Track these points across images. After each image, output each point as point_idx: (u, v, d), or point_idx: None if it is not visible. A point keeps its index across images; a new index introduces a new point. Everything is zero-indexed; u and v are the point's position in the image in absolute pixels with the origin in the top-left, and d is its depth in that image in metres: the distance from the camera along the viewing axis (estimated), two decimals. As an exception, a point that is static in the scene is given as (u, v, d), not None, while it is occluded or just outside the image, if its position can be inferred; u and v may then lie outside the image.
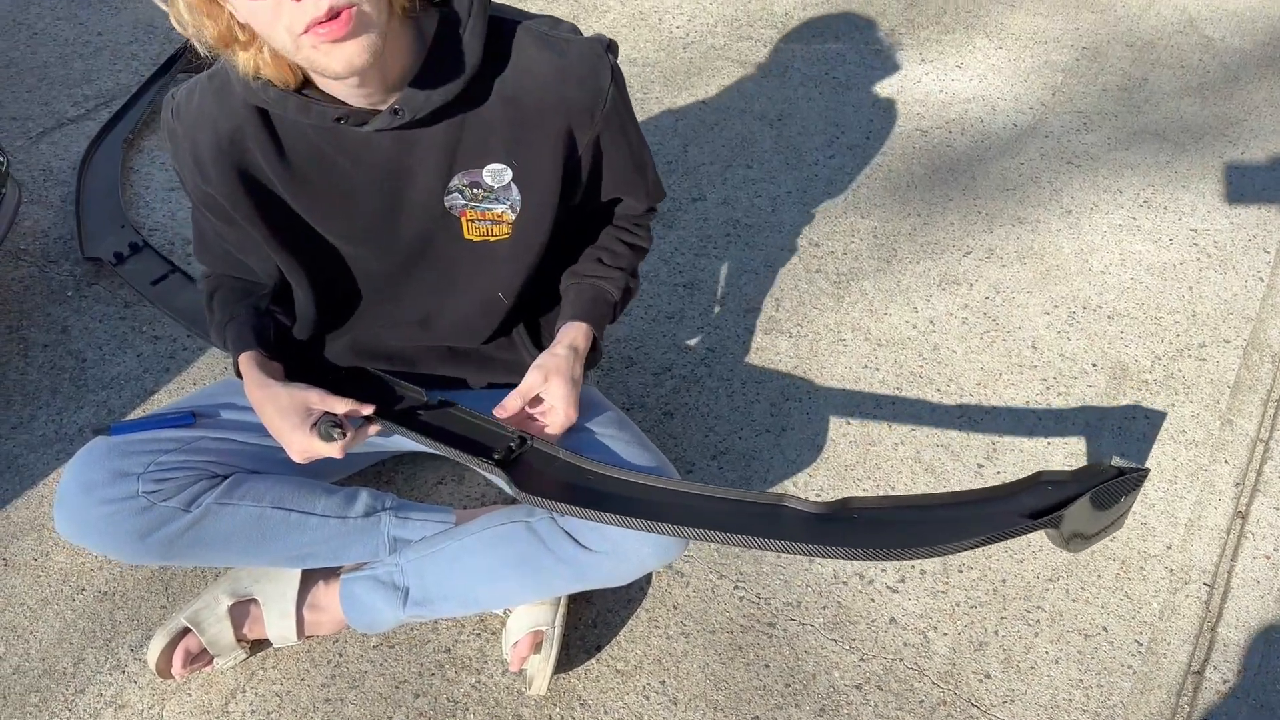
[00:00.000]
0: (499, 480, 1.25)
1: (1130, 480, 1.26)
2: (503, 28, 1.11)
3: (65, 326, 1.86)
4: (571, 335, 1.27)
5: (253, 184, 1.14)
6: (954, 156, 2.22)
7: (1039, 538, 1.52)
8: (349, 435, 1.17)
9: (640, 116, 2.31)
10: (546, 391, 1.22)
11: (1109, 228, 2.05)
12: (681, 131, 2.29)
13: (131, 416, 1.71)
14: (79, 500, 1.24)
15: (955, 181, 2.16)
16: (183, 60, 2.36)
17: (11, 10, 2.59)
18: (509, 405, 1.21)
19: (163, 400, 1.74)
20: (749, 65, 2.45)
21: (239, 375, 1.25)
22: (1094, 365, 1.80)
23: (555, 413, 1.22)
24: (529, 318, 1.38)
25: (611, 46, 1.17)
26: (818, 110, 2.33)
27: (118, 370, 1.79)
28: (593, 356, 1.47)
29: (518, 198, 1.19)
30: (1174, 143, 2.23)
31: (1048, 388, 1.76)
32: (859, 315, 1.90)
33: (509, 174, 1.17)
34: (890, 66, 2.44)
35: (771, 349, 1.83)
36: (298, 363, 1.32)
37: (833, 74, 2.43)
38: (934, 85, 2.39)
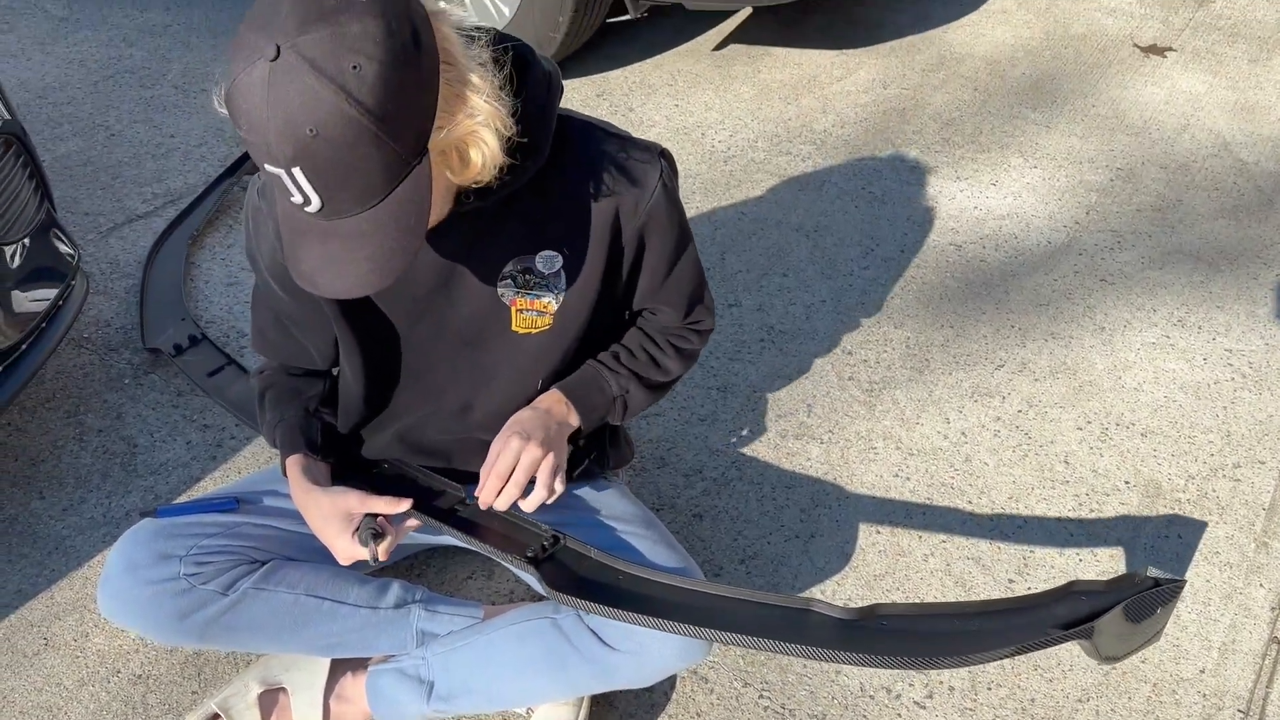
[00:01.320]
0: (530, 578, 1.27)
1: (1166, 591, 1.25)
2: (568, 125, 1.18)
3: (120, 413, 1.93)
4: (548, 396, 1.30)
5: None
6: (987, 271, 2.26)
7: (1071, 655, 1.50)
8: (389, 539, 1.21)
9: (681, 225, 2.38)
10: (503, 445, 1.24)
11: (1142, 345, 2.07)
12: (720, 240, 2.35)
13: (177, 502, 1.76)
14: (123, 580, 1.28)
15: (989, 295, 2.20)
16: (249, 163, 2.48)
17: (93, 113, 2.75)
18: (485, 495, 1.24)
19: (208, 487, 1.80)
20: (787, 178, 2.52)
21: (285, 475, 1.30)
22: (1127, 483, 1.79)
23: (521, 455, 1.23)
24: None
25: (665, 154, 1.24)
26: (853, 223, 2.40)
27: (166, 457, 1.85)
28: (625, 454, 1.51)
29: (564, 287, 1.24)
30: (1208, 263, 2.26)
31: (1080, 504, 1.75)
32: (890, 424, 1.92)
33: (559, 261, 1.22)
34: (926, 183, 2.50)
35: (803, 454, 1.85)
36: (343, 461, 1.37)
37: (869, 189, 2.49)
38: (969, 202, 2.44)
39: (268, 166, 0.95)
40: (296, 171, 0.94)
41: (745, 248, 2.33)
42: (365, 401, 1.35)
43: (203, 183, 2.51)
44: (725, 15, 3.07)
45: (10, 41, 3.04)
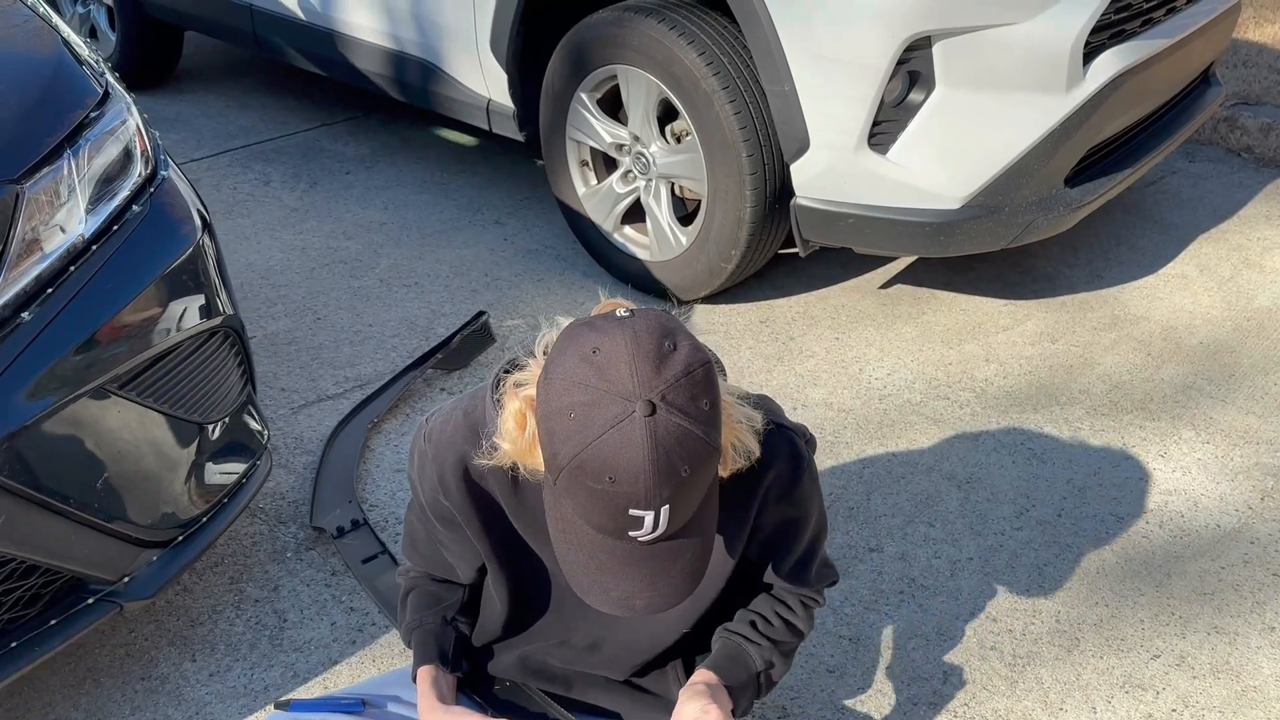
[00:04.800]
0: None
1: None
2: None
3: (277, 585, 2.05)
4: (704, 676, 1.34)
5: (487, 506, 1.29)
6: (1150, 549, 2.16)
7: None
8: None
9: (829, 460, 2.40)
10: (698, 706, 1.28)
11: (1321, 655, 1.91)
12: (867, 479, 2.35)
13: (310, 683, 1.84)
14: (248, 767, 1.35)
15: (1149, 576, 2.09)
16: (433, 359, 2.68)
17: (305, 297, 3.05)
18: None
19: (342, 672, 1.87)
20: (943, 424, 2.52)
21: (415, 680, 1.37)
22: (1295, 814, 1.63)
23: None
24: (688, 655, 1.45)
25: (811, 441, 1.34)
26: (1009, 479, 2.35)
27: (311, 635, 1.94)
28: (738, 709, 1.50)
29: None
30: (1402, 570, 2.09)
31: (1238, 830, 1.60)
32: (1032, 705, 1.82)
33: None
34: (1089, 446, 2.44)
35: (932, 726, 1.78)
36: (470, 672, 1.43)
37: (1028, 445, 2.45)
38: (1133, 472, 2.36)
39: (632, 511, 1.02)
40: (664, 509, 1.02)
41: (892, 491, 2.32)
42: (505, 626, 1.42)
43: (390, 371, 2.71)
44: (893, 256, 3.15)
45: (247, 226, 3.44)
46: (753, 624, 1.38)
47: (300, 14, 3.58)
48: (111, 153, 1.73)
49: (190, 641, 1.93)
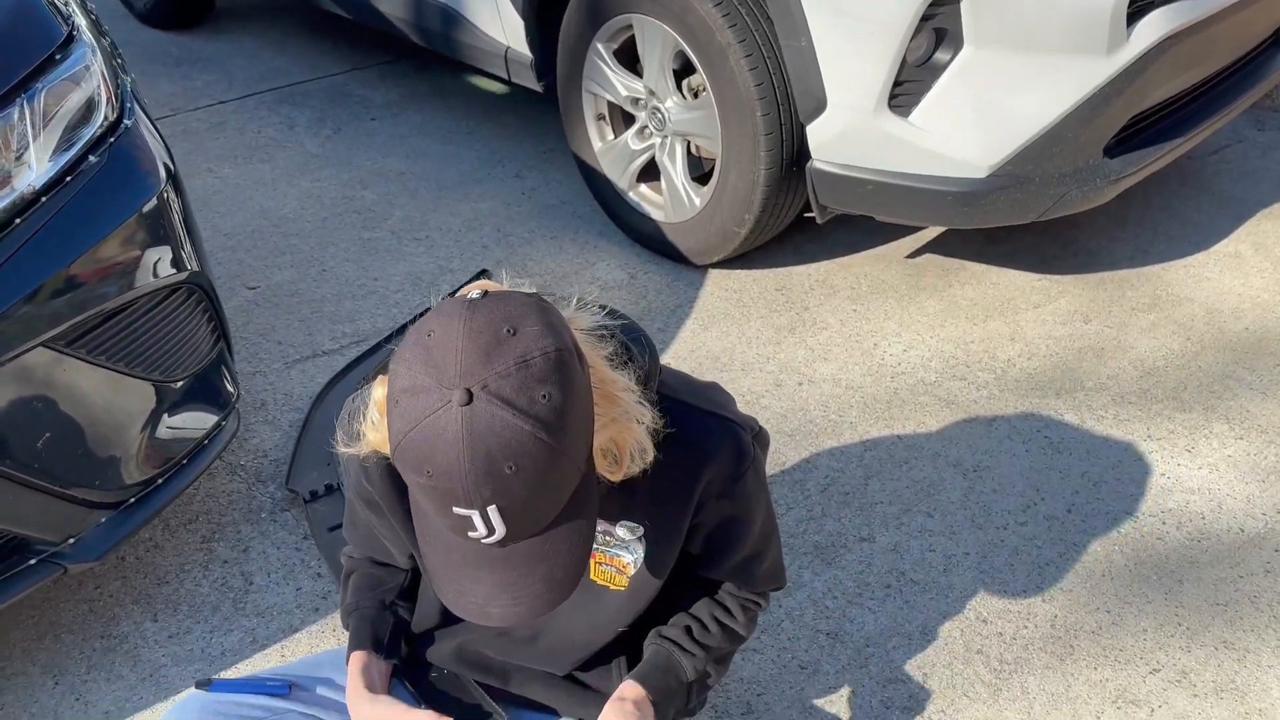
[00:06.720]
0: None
1: None
2: (668, 402, 1.17)
3: (248, 547, 2.02)
4: (631, 690, 1.26)
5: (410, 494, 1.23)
6: (1163, 552, 2.02)
7: None
8: None
9: (830, 441, 2.29)
10: None
11: (1337, 680, 1.76)
12: (867, 463, 2.24)
13: (268, 650, 1.81)
14: (165, 748, 1.31)
15: (1159, 582, 1.96)
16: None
17: (314, 248, 2.99)
18: None
19: (301, 640, 1.84)
20: (956, 406, 2.38)
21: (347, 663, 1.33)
22: None
23: None
24: (631, 652, 1.39)
25: (760, 435, 1.25)
26: (1019, 469, 2.22)
27: (274, 600, 1.91)
28: (693, 707, 1.42)
29: (642, 553, 1.24)
30: None
31: None
32: (1015, 716, 1.71)
33: (640, 530, 1.23)
34: (1111, 437, 2.29)
35: (904, 732, 1.69)
36: (408, 658, 1.39)
37: (1044, 432, 2.31)
38: (1156, 466, 2.21)
39: (456, 509, 0.94)
40: (491, 510, 0.93)
41: (893, 476, 2.20)
42: (442, 613, 1.36)
43: (390, 328, 2.65)
44: (918, 226, 2.99)
45: (265, 171, 3.39)
46: (688, 629, 1.30)
47: (324, -46, 3.49)
48: (71, 99, 1.67)
49: (154, 600, 1.91)
